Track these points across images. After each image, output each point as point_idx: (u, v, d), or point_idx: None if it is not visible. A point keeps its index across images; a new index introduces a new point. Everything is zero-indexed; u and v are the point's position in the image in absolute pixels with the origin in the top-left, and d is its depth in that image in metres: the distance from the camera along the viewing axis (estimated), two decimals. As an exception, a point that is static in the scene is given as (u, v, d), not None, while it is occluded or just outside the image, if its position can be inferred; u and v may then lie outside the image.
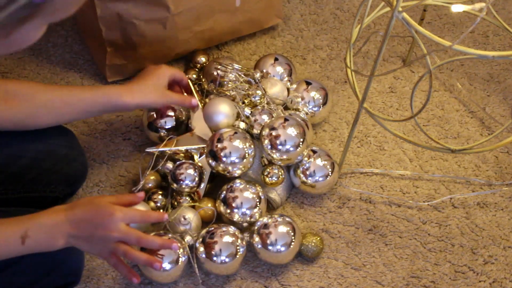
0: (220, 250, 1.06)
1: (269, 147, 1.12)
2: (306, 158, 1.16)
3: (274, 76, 1.28)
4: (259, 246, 1.09)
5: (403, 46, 1.47)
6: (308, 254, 1.13)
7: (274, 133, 1.11)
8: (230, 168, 1.12)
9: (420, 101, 1.38)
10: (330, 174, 1.16)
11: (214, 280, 1.13)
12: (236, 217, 1.12)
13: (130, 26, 1.24)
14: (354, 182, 1.26)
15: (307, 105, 1.25)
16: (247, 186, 1.13)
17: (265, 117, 1.16)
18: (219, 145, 1.10)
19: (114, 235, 0.90)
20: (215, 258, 1.07)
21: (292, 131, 1.11)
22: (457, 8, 0.84)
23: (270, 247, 1.09)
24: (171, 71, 1.16)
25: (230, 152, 1.10)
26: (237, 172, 1.13)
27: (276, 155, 1.12)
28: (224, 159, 1.10)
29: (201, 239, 1.08)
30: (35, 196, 1.08)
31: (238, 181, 1.14)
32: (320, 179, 1.16)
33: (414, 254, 1.18)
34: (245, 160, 1.11)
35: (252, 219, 1.12)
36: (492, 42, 1.49)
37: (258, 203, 1.12)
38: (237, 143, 1.11)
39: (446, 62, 1.33)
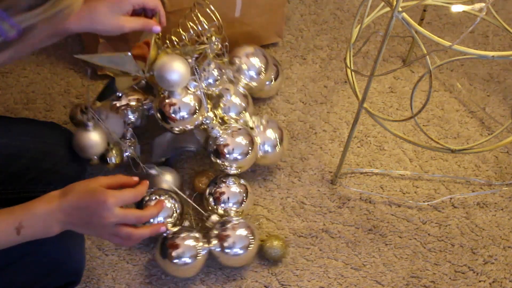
0: (184, 252, 1.06)
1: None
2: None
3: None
4: (218, 249, 1.08)
5: (403, 46, 1.47)
6: (271, 257, 1.14)
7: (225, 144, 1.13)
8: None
9: (420, 101, 1.38)
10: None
11: (214, 280, 1.13)
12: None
13: None
14: (354, 182, 1.26)
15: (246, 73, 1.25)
16: None
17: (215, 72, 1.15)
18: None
19: (112, 221, 0.89)
20: (176, 261, 1.06)
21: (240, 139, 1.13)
22: (457, 8, 0.84)
23: (227, 250, 1.08)
24: None
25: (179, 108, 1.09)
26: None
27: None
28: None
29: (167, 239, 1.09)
30: (34, 196, 1.08)
31: None
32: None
33: (414, 254, 1.18)
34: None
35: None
36: (492, 42, 1.49)
37: None
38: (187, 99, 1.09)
39: (446, 62, 1.33)
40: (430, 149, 1.06)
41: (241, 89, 1.22)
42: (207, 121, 1.12)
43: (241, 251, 1.08)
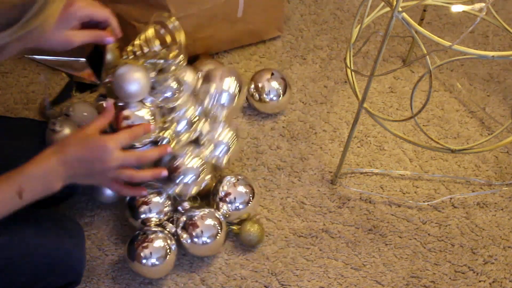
0: (151, 253, 1.06)
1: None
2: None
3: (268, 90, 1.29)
4: (188, 241, 1.09)
5: (403, 46, 1.47)
6: (246, 242, 1.14)
7: None
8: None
9: (420, 101, 1.38)
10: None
11: (214, 280, 1.13)
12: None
13: (129, 28, 1.24)
14: (354, 182, 1.26)
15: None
16: None
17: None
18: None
19: (114, 165, 0.90)
20: (144, 261, 1.06)
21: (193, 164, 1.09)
22: (457, 8, 0.84)
23: (196, 239, 1.09)
24: (87, 10, 0.95)
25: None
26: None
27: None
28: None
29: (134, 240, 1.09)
30: None
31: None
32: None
33: (414, 254, 1.18)
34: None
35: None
36: (492, 42, 1.49)
37: None
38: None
39: (446, 62, 1.33)
40: (430, 149, 1.06)
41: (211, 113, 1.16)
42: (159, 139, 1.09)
43: (209, 240, 1.09)
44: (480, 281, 1.15)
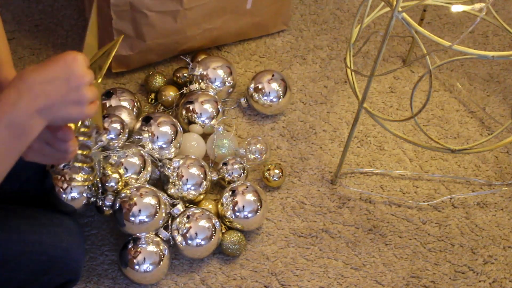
0: (144, 259, 1.07)
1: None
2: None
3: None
4: (183, 243, 1.10)
5: (403, 46, 1.47)
6: (228, 252, 1.14)
7: None
8: None
9: (420, 101, 1.38)
10: None
11: (214, 280, 1.13)
12: None
13: (141, 16, 1.25)
14: (354, 182, 1.26)
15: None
16: None
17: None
18: None
19: (89, 78, 0.73)
20: (136, 267, 1.07)
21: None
22: (457, 8, 0.84)
23: (190, 242, 1.09)
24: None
25: None
26: None
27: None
28: None
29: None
30: (32, 196, 1.08)
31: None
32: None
33: (414, 254, 1.18)
34: None
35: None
36: (492, 42, 1.49)
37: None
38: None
39: (446, 62, 1.33)
40: (430, 149, 1.06)
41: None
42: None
43: (203, 242, 1.10)
44: (480, 281, 1.15)
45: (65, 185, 1.06)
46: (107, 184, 1.10)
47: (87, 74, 0.73)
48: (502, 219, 1.23)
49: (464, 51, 0.84)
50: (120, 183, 1.11)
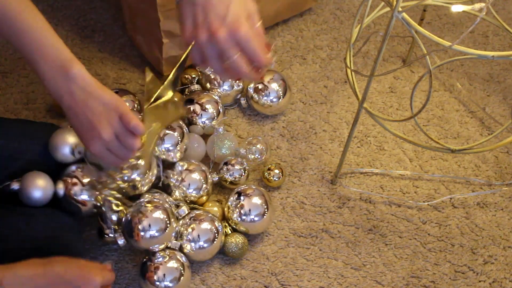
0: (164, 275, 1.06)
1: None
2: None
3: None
4: (190, 249, 1.10)
5: (403, 46, 1.47)
6: (230, 254, 1.14)
7: None
8: None
9: (420, 101, 1.38)
10: None
11: (214, 280, 1.13)
12: None
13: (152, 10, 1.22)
14: (354, 182, 1.26)
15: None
16: None
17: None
18: None
19: None
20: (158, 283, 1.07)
21: None
22: (457, 8, 0.84)
23: (192, 244, 1.09)
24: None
25: None
26: None
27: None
28: None
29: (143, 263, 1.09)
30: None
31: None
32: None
33: (414, 254, 1.18)
34: None
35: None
36: (492, 42, 1.49)
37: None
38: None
39: (446, 62, 1.33)
40: (430, 149, 1.06)
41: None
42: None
43: (205, 245, 1.10)
44: (480, 281, 1.15)
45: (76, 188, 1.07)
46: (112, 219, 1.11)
47: None
48: (502, 219, 1.23)
49: (464, 51, 0.84)
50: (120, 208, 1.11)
